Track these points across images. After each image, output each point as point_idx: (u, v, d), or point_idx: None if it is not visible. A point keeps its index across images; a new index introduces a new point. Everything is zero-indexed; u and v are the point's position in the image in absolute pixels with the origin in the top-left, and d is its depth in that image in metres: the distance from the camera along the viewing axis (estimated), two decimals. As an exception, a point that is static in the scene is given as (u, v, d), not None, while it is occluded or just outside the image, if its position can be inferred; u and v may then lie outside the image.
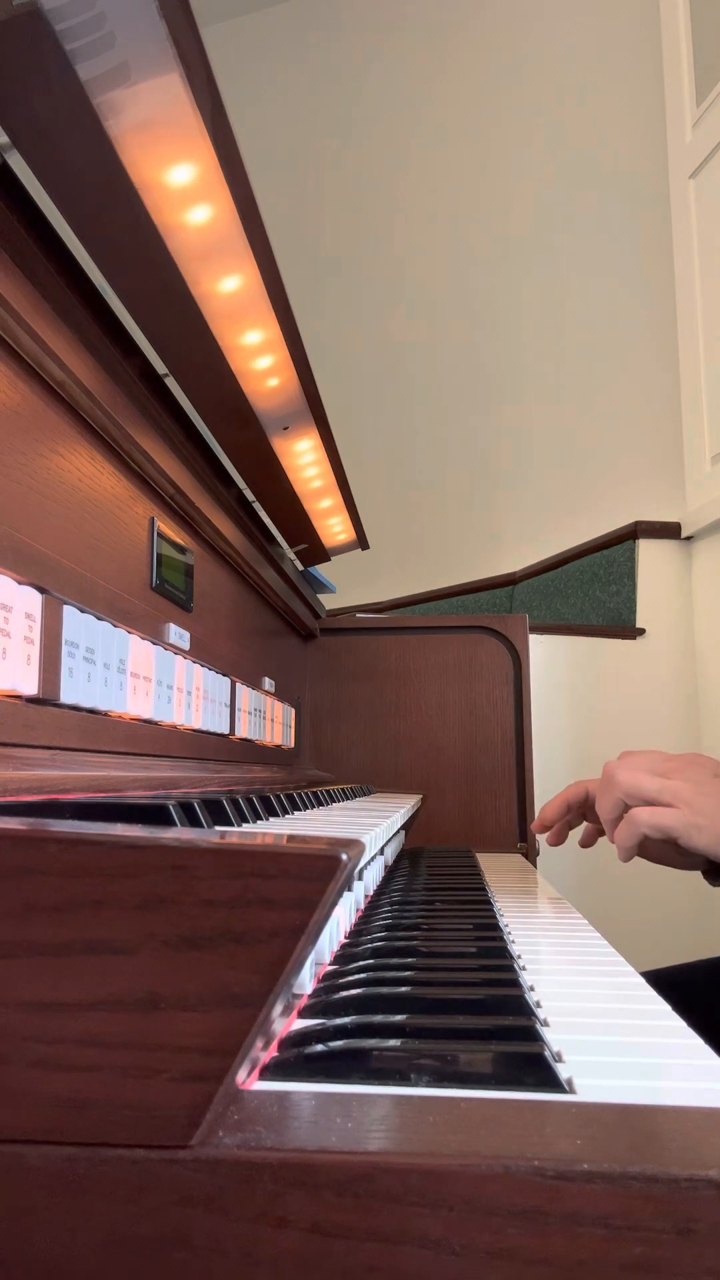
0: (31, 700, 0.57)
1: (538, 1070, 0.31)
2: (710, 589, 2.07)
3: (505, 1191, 0.24)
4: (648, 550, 2.16)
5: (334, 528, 1.39)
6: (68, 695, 0.60)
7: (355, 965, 0.46)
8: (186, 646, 0.88)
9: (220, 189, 0.63)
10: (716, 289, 2.12)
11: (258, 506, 1.15)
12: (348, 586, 2.36)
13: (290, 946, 0.26)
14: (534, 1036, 0.35)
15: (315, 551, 1.43)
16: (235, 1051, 0.26)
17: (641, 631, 2.10)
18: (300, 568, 1.42)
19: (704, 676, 2.06)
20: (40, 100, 0.53)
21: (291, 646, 1.47)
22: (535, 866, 1.19)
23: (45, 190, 0.59)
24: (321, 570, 1.54)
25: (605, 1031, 0.38)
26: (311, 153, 3.31)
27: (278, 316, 0.79)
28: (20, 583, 0.55)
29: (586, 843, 0.88)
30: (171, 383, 0.82)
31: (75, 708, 0.63)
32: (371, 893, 0.70)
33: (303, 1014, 0.38)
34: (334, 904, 0.28)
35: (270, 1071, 0.31)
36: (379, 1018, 0.37)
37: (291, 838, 0.31)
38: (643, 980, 0.47)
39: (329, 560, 1.50)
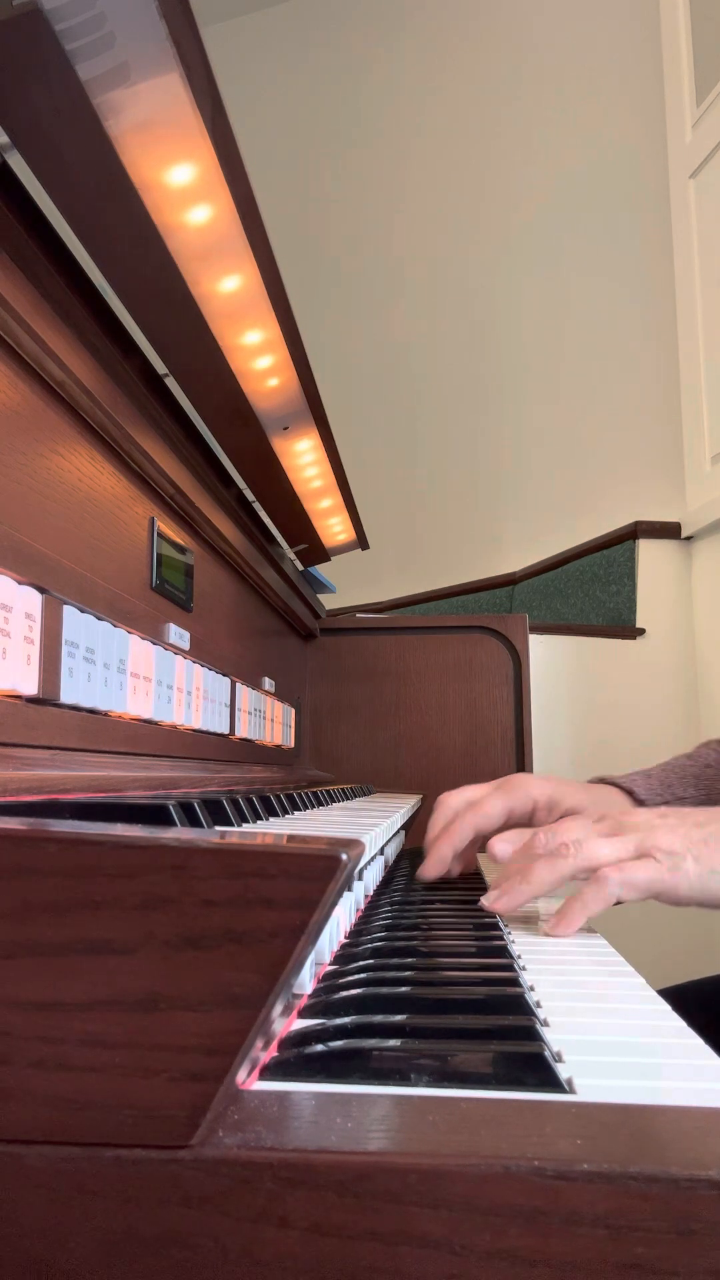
0: (31, 700, 0.57)
1: (538, 1070, 0.31)
2: (710, 589, 2.07)
3: (505, 1191, 0.24)
4: (648, 550, 2.16)
5: (334, 528, 1.39)
6: (68, 695, 0.60)
7: (355, 965, 0.46)
8: (186, 646, 0.88)
9: (220, 189, 0.63)
10: (716, 289, 2.12)
11: (258, 506, 1.15)
12: (348, 586, 2.36)
13: (290, 946, 0.26)
14: (534, 1036, 0.35)
15: (315, 551, 1.43)
16: (235, 1051, 0.26)
17: (641, 631, 2.10)
18: (300, 568, 1.42)
19: (704, 676, 2.06)
20: (40, 100, 0.53)
21: (291, 646, 1.47)
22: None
23: (45, 190, 0.59)
24: (321, 570, 1.54)
25: (605, 1031, 0.38)
26: (312, 153, 3.31)
27: (278, 316, 0.79)
28: (20, 583, 0.55)
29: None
30: (171, 383, 0.82)
31: (75, 708, 0.63)
32: (371, 893, 0.70)
33: (303, 1014, 0.38)
34: (334, 904, 0.28)
35: (270, 1071, 0.31)
36: (379, 1017, 0.37)
37: (291, 838, 0.31)
38: (643, 980, 0.47)
39: (329, 560, 1.51)
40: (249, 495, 1.10)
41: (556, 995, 0.43)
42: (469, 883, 0.77)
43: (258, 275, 0.73)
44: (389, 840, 0.81)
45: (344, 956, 0.48)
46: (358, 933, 0.55)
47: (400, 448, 3.05)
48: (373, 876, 0.70)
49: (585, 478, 2.57)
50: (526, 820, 0.76)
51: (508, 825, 0.75)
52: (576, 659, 2.03)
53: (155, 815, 0.46)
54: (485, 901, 0.62)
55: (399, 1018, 0.37)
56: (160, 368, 0.79)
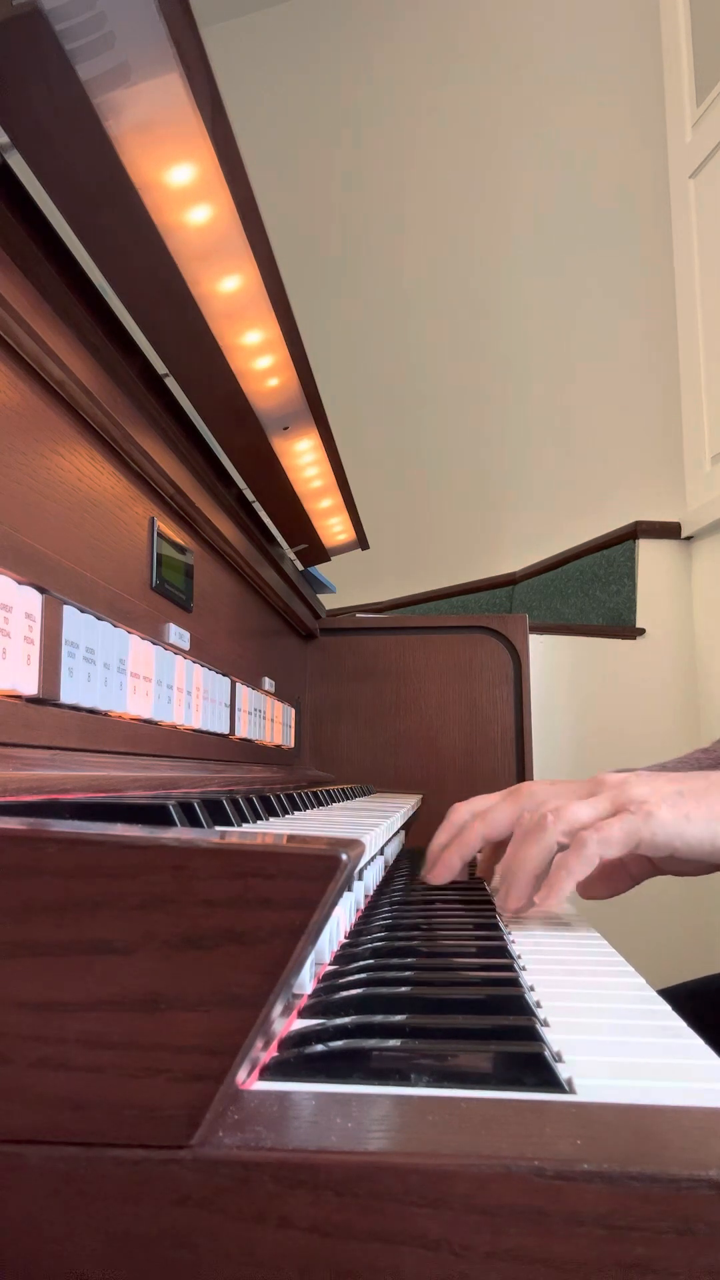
0: (31, 700, 0.57)
1: (538, 1070, 0.31)
2: (710, 589, 2.07)
3: (505, 1191, 0.24)
4: (648, 550, 2.16)
5: (334, 528, 1.39)
6: (68, 695, 0.60)
7: (355, 965, 0.46)
8: (186, 646, 0.88)
9: (220, 189, 0.63)
10: (716, 289, 2.12)
11: (258, 506, 1.15)
12: (348, 586, 2.37)
13: (290, 946, 0.26)
14: (534, 1036, 0.35)
15: (315, 551, 1.43)
16: (235, 1051, 0.26)
17: (641, 631, 2.10)
18: (300, 568, 1.42)
19: (704, 676, 2.06)
20: (40, 100, 0.53)
21: (291, 646, 1.47)
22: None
23: (45, 190, 0.59)
24: (321, 570, 1.54)
25: (605, 1031, 0.38)
26: (312, 152, 3.31)
27: (278, 316, 0.79)
28: (20, 583, 0.55)
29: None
30: (171, 383, 0.82)
31: (75, 708, 0.63)
32: (371, 893, 0.70)
33: (303, 1014, 0.38)
34: (334, 904, 0.28)
35: (270, 1071, 0.31)
36: (379, 1018, 0.37)
37: (291, 838, 0.31)
38: (643, 980, 0.47)
39: (329, 560, 1.51)
40: (249, 495, 1.10)
41: (556, 995, 0.43)
42: (469, 883, 0.77)
43: (258, 275, 0.73)
44: (389, 840, 0.80)
45: (344, 956, 0.48)
46: (358, 933, 0.55)
47: (400, 448, 3.05)
48: (373, 876, 0.70)
49: (585, 478, 2.57)
50: None
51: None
52: (576, 659, 2.03)
53: (155, 815, 0.46)
54: (498, 903, 0.63)
55: (399, 1018, 0.37)
56: (160, 368, 0.79)
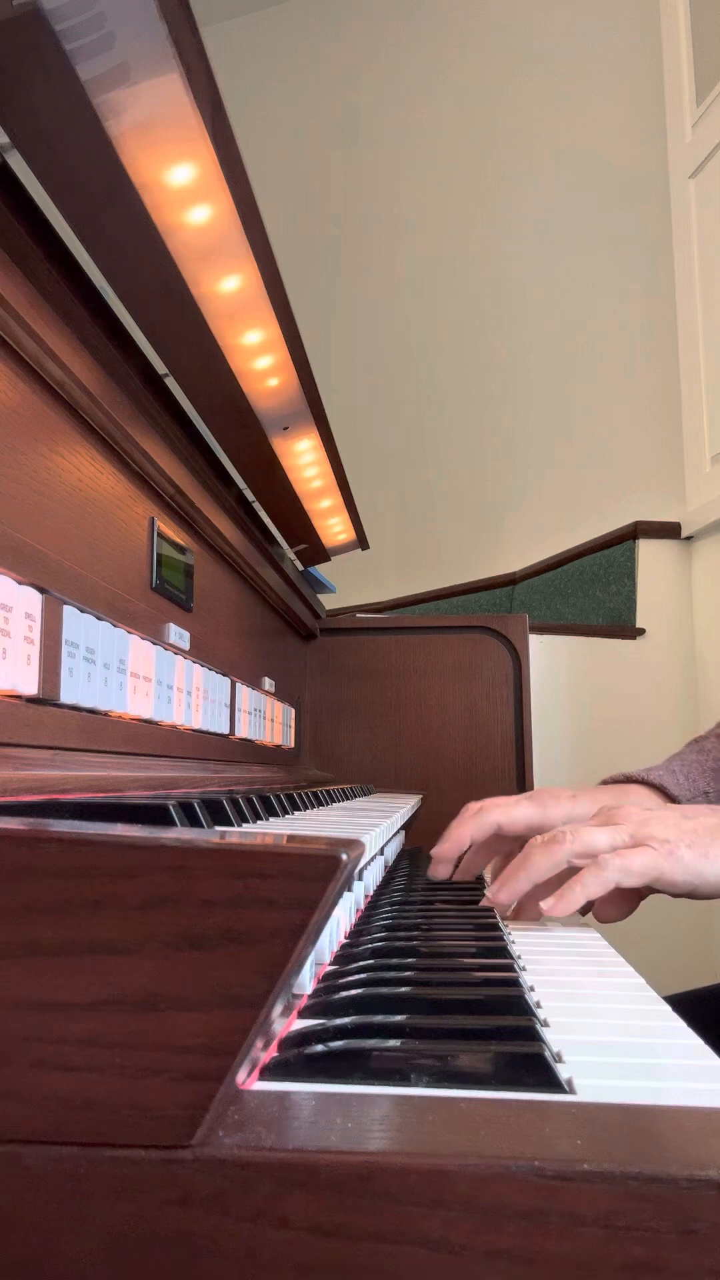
0: (31, 700, 0.57)
1: (538, 1070, 0.31)
2: (710, 589, 2.07)
3: (505, 1191, 0.24)
4: (648, 550, 2.16)
5: (334, 528, 1.39)
6: (68, 695, 0.60)
7: (355, 965, 0.46)
8: (186, 646, 0.88)
9: (220, 189, 0.63)
10: (716, 289, 2.12)
11: (258, 506, 1.15)
12: (348, 586, 2.37)
13: (290, 946, 0.26)
14: (534, 1036, 0.35)
15: (315, 551, 1.43)
16: (235, 1051, 0.26)
17: (641, 631, 2.10)
18: (300, 568, 1.42)
19: (704, 677, 2.07)
20: (40, 100, 0.53)
21: (291, 646, 1.47)
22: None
23: (45, 190, 0.59)
24: (321, 570, 1.54)
25: (605, 1031, 0.38)
26: (312, 152, 3.31)
27: (278, 316, 0.79)
28: (20, 583, 0.55)
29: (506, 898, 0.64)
30: (171, 383, 0.82)
31: (75, 708, 0.63)
32: (371, 893, 0.70)
33: (303, 1014, 0.38)
34: (334, 904, 0.28)
35: (270, 1071, 0.31)
36: (379, 1018, 0.37)
37: (291, 838, 0.31)
38: (643, 980, 0.47)
39: (329, 560, 1.51)
40: (249, 495, 1.10)
41: (556, 995, 0.43)
42: (470, 884, 0.77)
43: (258, 275, 0.73)
44: (389, 840, 0.80)
45: (344, 956, 0.48)
46: (358, 933, 0.55)
47: (400, 447, 3.05)
48: (373, 876, 0.70)
49: (585, 478, 2.57)
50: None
51: (532, 833, 0.75)
52: (576, 659, 2.03)
53: (155, 815, 0.46)
54: (488, 894, 0.63)
55: (399, 1018, 0.37)
56: (160, 368, 0.79)
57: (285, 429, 1.00)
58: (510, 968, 0.47)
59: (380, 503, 2.88)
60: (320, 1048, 0.33)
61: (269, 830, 0.54)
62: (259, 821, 0.64)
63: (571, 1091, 0.30)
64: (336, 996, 0.40)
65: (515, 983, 0.44)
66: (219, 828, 0.53)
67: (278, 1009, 0.28)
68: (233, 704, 1.01)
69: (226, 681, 0.99)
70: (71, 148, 0.56)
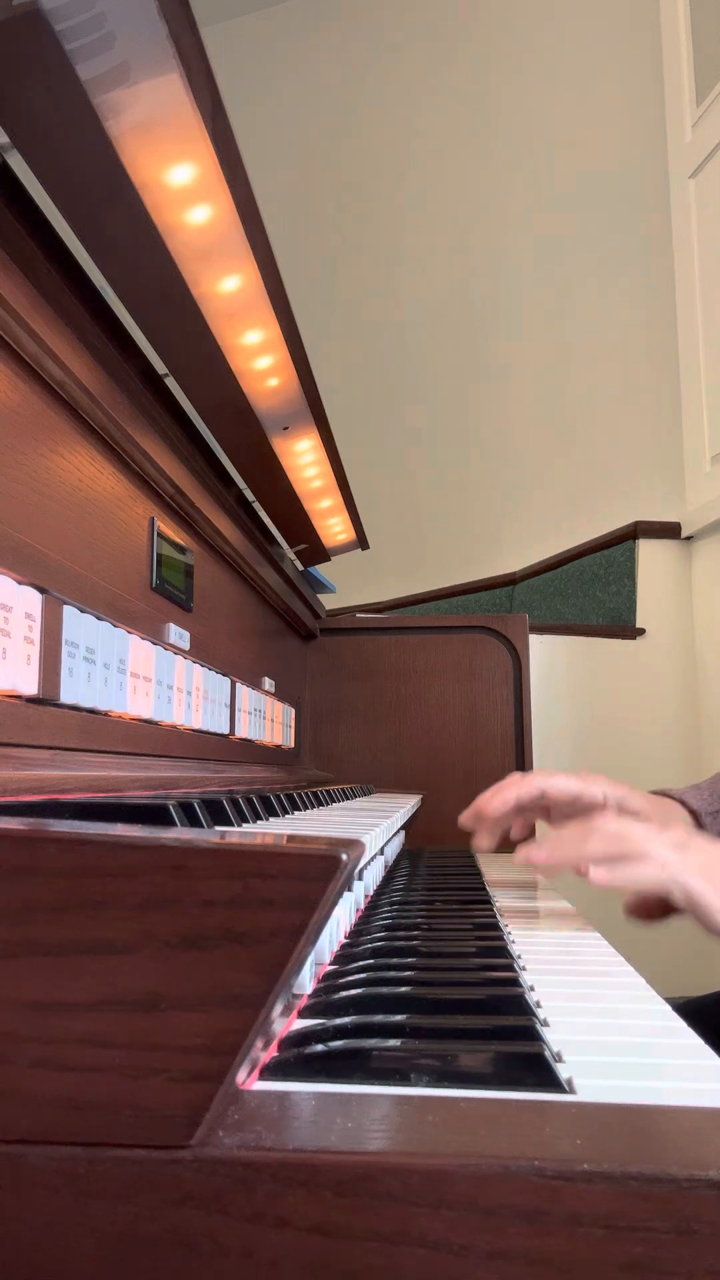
0: (31, 700, 0.57)
1: (538, 1070, 0.31)
2: (710, 589, 2.07)
3: (505, 1191, 0.24)
4: (648, 550, 2.16)
5: (334, 528, 1.39)
6: (68, 695, 0.60)
7: (355, 965, 0.46)
8: (186, 646, 0.88)
9: (220, 189, 0.63)
10: (716, 289, 2.12)
11: (258, 506, 1.15)
12: (348, 586, 2.36)
13: (290, 946, 0.26)
14: (534, 1036, 0.35)
15: (315, 551, 1.43)
16: (235, 1051, 0.26)
17: (641, 631, 2.10)
18: (300, 568, 1.42)
19: (704, 676, 2.06)
20: (40, 100, 0.53)
21: (291, 646, 1.47)
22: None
23: (45, 190, 0.59)
24: (321, 570, 1.54)
25: (605, 1031, 0.38)
26: (312, 152, 3.31)
27: (278, 316, 0.79)
28: (20, 583, 0.55)
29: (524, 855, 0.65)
30: (171, 383, 0.82)
31: (75, 708, 0.63)
32: (371, 893, 0.70)
33: (303, 1014, 0.38)
34: (334, 904, 0.28)
35: (270, 1071, 0.31)
36: (379, 1018, 0.37)
37: (291, 838, 0.31)
38: (643, 980, 0.47)
39: (329, 560, 1.50)
40: (249, 495, 1.10)
41: (556, 995, 0.43)
42: (470, 883, 0.77)
43: (258, 275, 0.73)
44: (389, 840, 0.80)
45: (344, 956, 0.48)
46: (358, 933, 0.55)
47: (401, 448, 3.05)
48: (373, 876, 0.70)
49: (585, 478, 2.57)
50: (589, 811, 0.77)
51: (573, 810, 0.77)
52: (576, 659, 2.03)
53: (155, 815, 0.46)
54: (522, 853, 0.61)
55: (399, 1018, 0.37)
56: (160, 368, 0.79)
57: (285, 429, 1.00)
58: (510, 968, 0.47)
59: (380, 503, 2.88)
60: (320, 1047, 0.33)
61: (269, 830, 0.54)
62: (259, 821, 0.64)
63: (571, 1091, 0.30)
64: (336, 996, 0.40)
65: (515, 982, 0.44)
66: (219, 828, 0.53)
67: (278, 1009, 0.28)
68: (233, 704, 1.01)
69: (226, 681, 0.99)
70: (71, 148, 0.56)
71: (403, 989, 0.41)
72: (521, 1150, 0.25)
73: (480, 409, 2.87)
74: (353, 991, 0.40)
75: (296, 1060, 0.32)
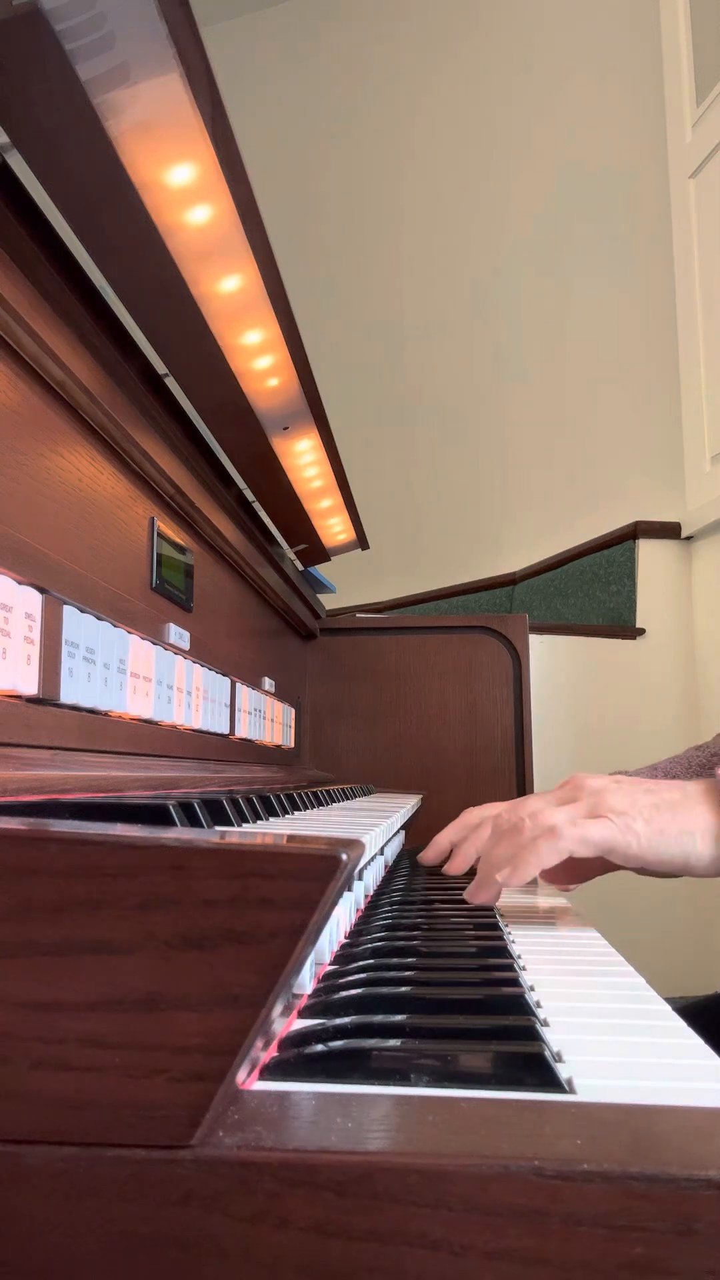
0: (31, 700, 0.57)
1: (538, 1070, 0.31)
2: (710, 589, 2.07)
3: (505, 1192, 0.24)
4: (648, 550, 2.16)
5: (334, 528, 1.39)
6: (68, 695, 0.60)
7: (355, 965, 0.46)
8: (186, 646, 0.88)
9: (220, 189, 0.63)
10: (716, 289, 2.12)
11: (258, 506, 1.15)
12: (348, 586, 2.37)
13: (290, 946, 0.26)
14: (534, 1036, 0.35)
15: (315, 551, 1.43)
16: (235, 1051, 0.26)
17: (641, 631, 2.10)
18: (300, 568, 1.42)
19: (704, 676, 2.06)
20: (40, 100, 0.53)
21: (291, 646, 1.47)
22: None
23: (45, 190, 0.59)
24: (321, 570, 1.54)
25: (605, 1031, 0.38)
26: (312, 152, 3.31)
27: (278, 316, 0.79)
28: (20, 583, 0.55)
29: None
30: (171, 383, 0.82)
31: (75, 708, 0.63)
32: (371, 893, 0.70)
33: (303, 1014, 0.38)
34: (334, 904, 0.28)
35: (270, 1071, 0.31)
36: (379, 1017, 0.37)
37: (291, 838, 0.31)
38: (643, 980, 0.47)
39: (329, 560, 1.51)
40: (249, 495, 1.10)
41: (556, 995, 0.43)
42: (469, 883, 0.77)
43: (258, 275, 0.73)
44: (389, 840, 0.81)
45: (344, 956, 0.48)
46: (358, 933, 0.55)
47: (401, 448, 3.05)
48: (373, 876, 0.70)
49: (585, 478, 2.57)
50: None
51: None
52: (576, 659, 2.03)
53: (155, 815, 0.46)
54: (466, 895, 0.64)
55: (399, 1018, 0.37)
56: (160, 368, 0.79)
57: (285, 429, 1.00)
58: (510, 967, 0.47)
59: (380, 503, 2.88)
60: (320, 1047, 0.33)
61: (269, 830, 0.54)
62: (259, 821, 0.64)
63: (571, 1091, 0.30)
64: (336, 996, 0.40)
65: (515, 982, 0.44)
66: (219, 828, 0.53)
67: (278, 1009, 0.28)
68: (233, 704, 1.01)
69: (226, 681, 0.99)
70: (71, 148, 0.56)
71: (403, 989, 0.41)
72: (521, 1150, 0.25)
73: (480, 408, 2.87)
74: (353, 991, 0.40)
75: (297, 1060, 0.32)
